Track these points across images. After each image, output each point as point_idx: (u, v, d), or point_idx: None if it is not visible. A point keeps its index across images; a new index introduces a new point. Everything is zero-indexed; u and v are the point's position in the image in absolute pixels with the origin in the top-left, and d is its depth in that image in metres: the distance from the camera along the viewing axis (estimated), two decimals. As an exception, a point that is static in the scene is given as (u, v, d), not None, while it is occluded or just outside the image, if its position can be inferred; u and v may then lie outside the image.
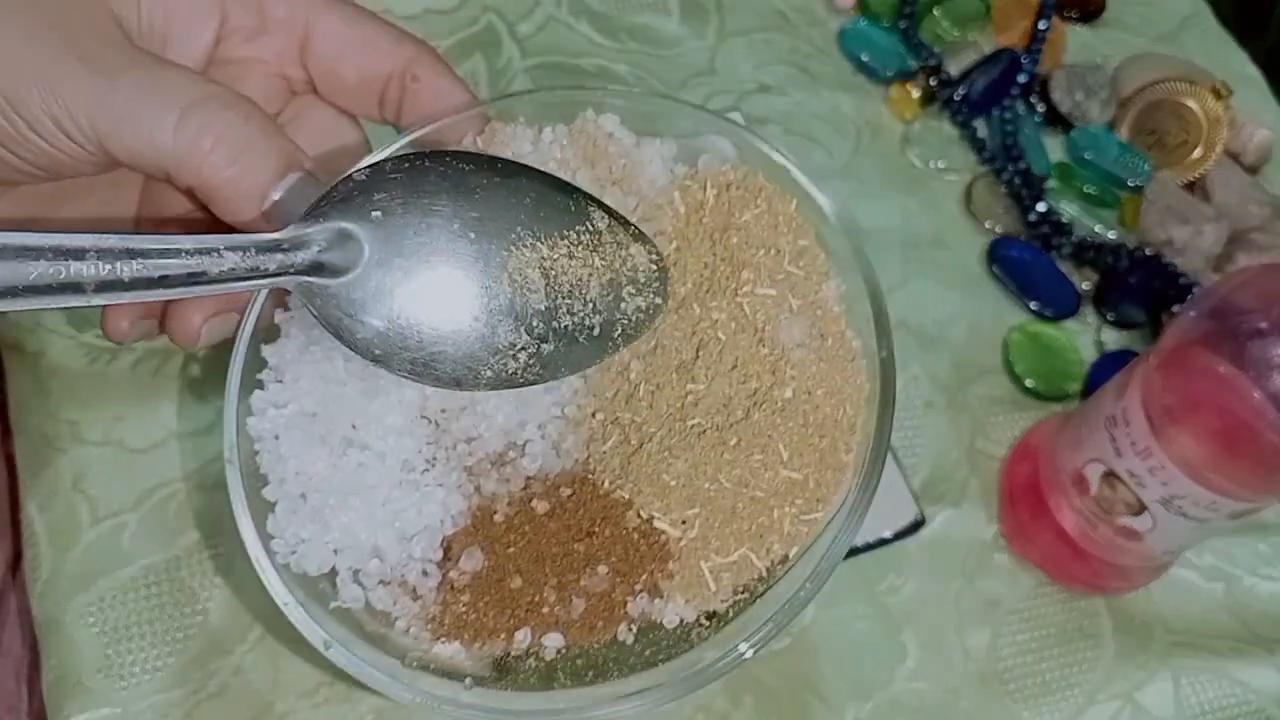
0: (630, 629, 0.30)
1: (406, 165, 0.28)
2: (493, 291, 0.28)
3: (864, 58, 0.58)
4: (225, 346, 0.33)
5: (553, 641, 0.30)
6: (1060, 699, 0.43)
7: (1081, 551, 0.44)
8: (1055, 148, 0.57)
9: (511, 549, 0.30)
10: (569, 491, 0.31)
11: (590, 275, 0.29)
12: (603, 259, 0.30)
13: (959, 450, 0.48)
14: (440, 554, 0.31)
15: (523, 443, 0.32)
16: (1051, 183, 0.55)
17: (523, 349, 0.29)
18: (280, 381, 0.31)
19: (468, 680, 0.30)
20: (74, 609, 0.39)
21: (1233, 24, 0.65)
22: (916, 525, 0.44)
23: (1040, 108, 0.58)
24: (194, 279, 0.26)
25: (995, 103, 0.56)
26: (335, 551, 0.31)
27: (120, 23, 0.30)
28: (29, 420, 0.43)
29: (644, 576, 0.30)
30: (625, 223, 0.31)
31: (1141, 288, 0.52)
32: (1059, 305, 0.52)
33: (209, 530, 0.41)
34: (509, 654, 0.30)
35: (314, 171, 0.30)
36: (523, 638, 0.30)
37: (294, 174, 0.30)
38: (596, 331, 0.30)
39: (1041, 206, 0.54)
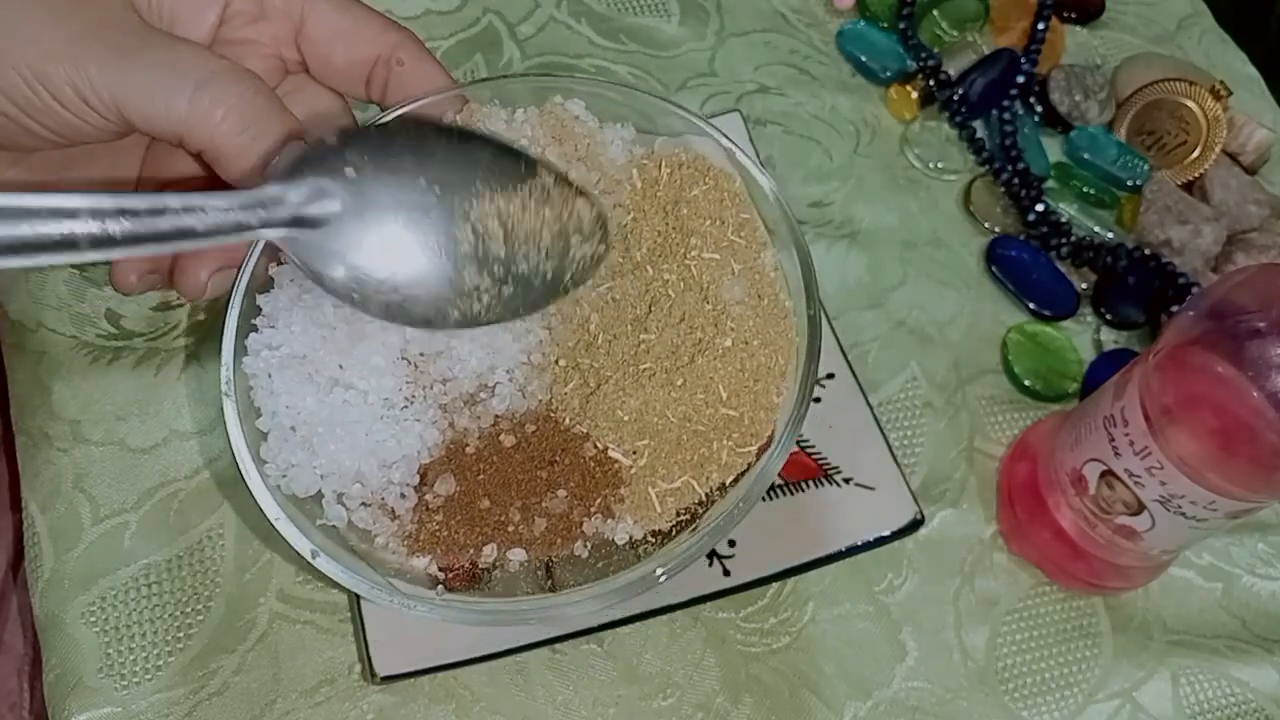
0: (585, 545, 0.34)
1: (375, 129, 0.32)
2: (457, 239, 0.31)
3: (863, 59, 0.58)
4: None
5: (516, 555, 0.34)
6: (1059, 698, 0.44)
7: (1080, 551, 0.44)
8: (1054, 148, 0.57)
9: (481, 475, 0.34)
10: (533, 428, 0.34)
11: (542, 225, 0.32)
12: (552, 211, 0.33)
13: (958, 450, 0.48)
14: (417, 479, 0.34)
15: (493, 384, 0.35)
16: (1050, 183, 0.55)
17: (485, 291, 0.32)
18: (274, 327, 0.34)
19: (439, 588, 0.34)
20: (75, 608, 0.39)
21: (1231, 24, 0.65)
22: (915, 524, 0.44)
23: (1039, 108, 0.58)
24: (182, 234, 0.28)
25: (994, 103, 0.57)
26: (322, 476, 0.34)
27: (133, 5, 0.33)
28: (30, 420, 0.43)
29: (599, 500, 0.34)
30: (569, 181, 0.34)
31: (1140, 288, 0.52)
32: (1057, 305, 0.52)
33: (210, 530, 0.41)
34: (477, 565, 0.34)
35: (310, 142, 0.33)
36: (490, 552, 0.33)
37: (294, 143, 0.32)
38: (549, 276, 0.33)
39: (1040, 207, 0.54)
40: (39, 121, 0.32)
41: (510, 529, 0.34)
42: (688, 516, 0.35)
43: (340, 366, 0.34)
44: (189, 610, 0.40)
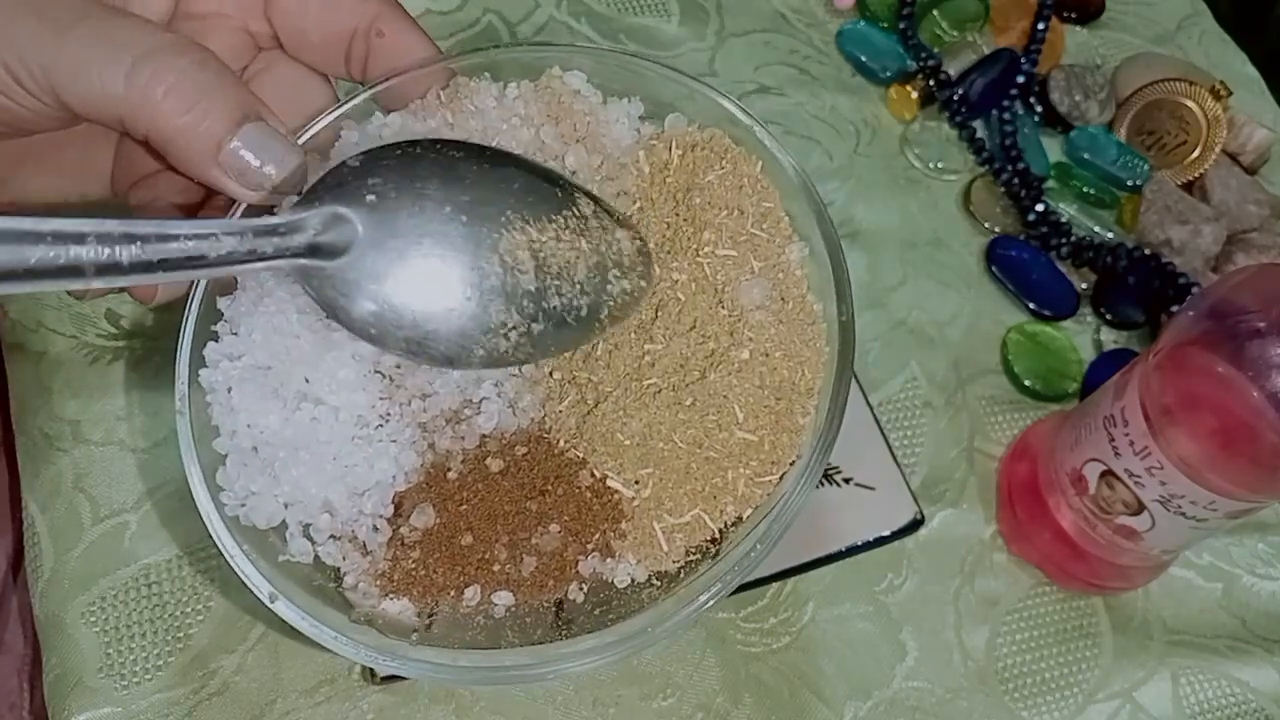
0: (581, 588, 0.30)
1: (399, 152, 0.29)
2: (484, 272, 0.29)
3: (863, 59, 0.58)
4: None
5: (502, 599, 0.30)
6: (1059, 698, 0.44)
7: (1080, 551, 0.44)
8: (1054, 148, 0.57)
9: (464, 506, 0.30)
10: (524, 450, 0.31)
11: (577, 258, 0.30)
12: (589, 243, 0.30)
13: (958, 450, 0.48)
14: (391, 510, 0.31)
15: (478, 400, 0.31)
16: (1050, 183, 0.55)
17: (514, 328, 0.29)
18: (235, 334, 0.31)
19: (414, 636, 0.30)
20: (75, 608, 0.39)
21: (1231, 24, 0.65)
22: (915, 524, 0.44)
23: (1039, 108, 0.58)
24: (192, 262, 0.27)
25: (994, 103, 0.57)
26: (285, 505, 0.30)
27: None
28: (30, 420, 0.43)
29: (596, 536, 0.30)
30: (610, 209, 0.31)
31: (1140, 288, 0.52)
32: (1058, 305, 0.52)
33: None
34: (457, 612, 0.30)
35: (273, 122, 0.30)
36: (472, 595, 0.30)
37: (251, 124, 0.29)
38: (584, 312, 0.30)
39: (1040, 207, 0.54)
40: None
41: (495, 568, 0.30)
42: (698, 556, 0.31)
43: (306, 380, 0.30)
44: (189, 610, 0.40)
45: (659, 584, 0.31)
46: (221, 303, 0.32)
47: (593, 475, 0.31)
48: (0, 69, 0.28)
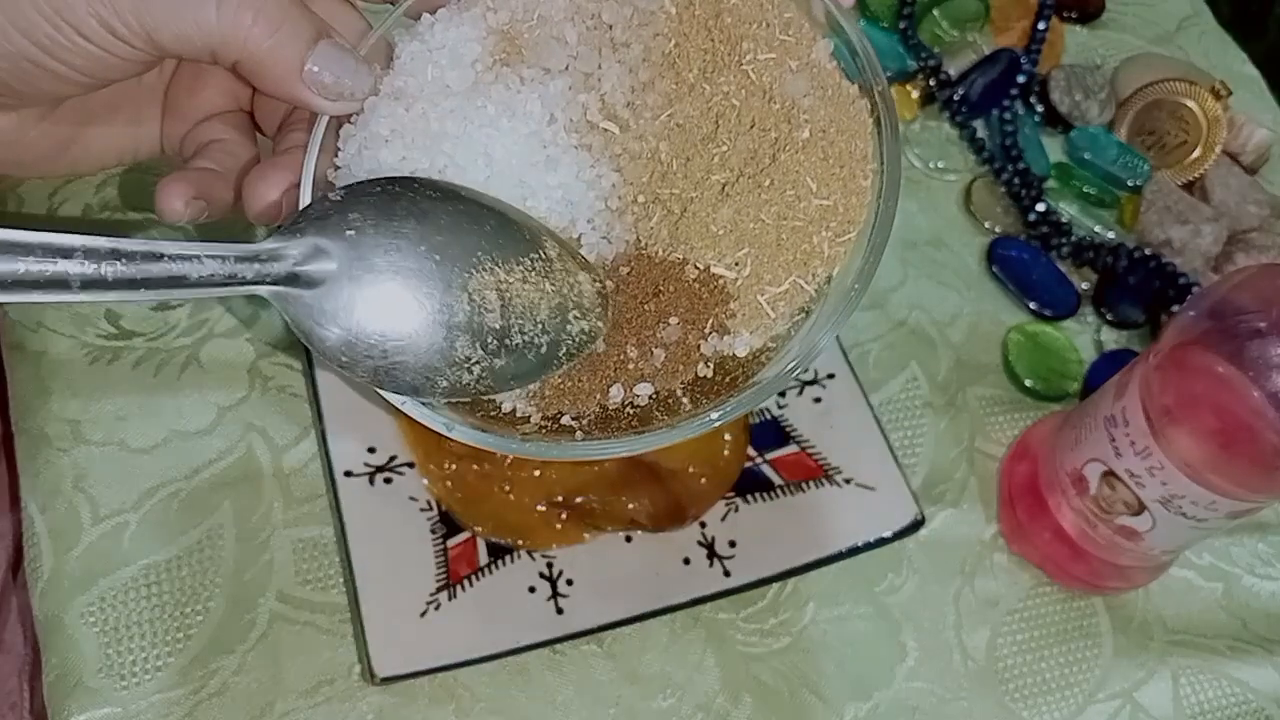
0: (708, 365, 0.34)
1: (379, 190, 0.31)
2: (453, 310, 0.31)
3: (863, 58, 0.58)
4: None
5: (643, 390, 0.33)
6: (1059, 698, 0.44)
7: (1080, 551, 0.44)
8: (1054, 148, 0.57)
9: None
10: (627, 269, 0.34)
11: (541, 299, 0.32)
12: (553, 284, 0.32)
13: (958, 450, 0.48)
14: None
15: (577, 236, 0.34)
16: (1051, 183, 0.55)
17: (477, 363, 0.31)
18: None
19: (579, 434, 0.33)
20: (75, 609, 0.39)
21: (1231, 24, 0.65)
22: (916, 525, 0.44)
23: (1039, 108, 0.58)
24: (174, 282, 0.28)
25: (994, 103, 0.57)
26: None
27: None
28: (30, 420, 0.43)
29: (710, 319, 0.34)
30: (574, 253, 0.33)
31: (1140, 288, 0.52)
32: (1058, 305, 0.52)
33: (210, 530, 0.41)
34: (607, 410, 0.33)
35: (339, 39, 0.33)
36: (616, 393, 0.33)
37: (324, 41, 0.32)
38: (544, 350, 0.32)
39: (1041, 207, 0.54)
40: (65, 61, 0.31)
41: (630, 366, 0.33)
42: (802, 315, 0.35)
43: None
44: (189, 610, 0.40)
45: (774, 346, 0.34)
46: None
47: (696, 268, 0.34)
48: (95, 22, 0.30)
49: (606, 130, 0.34)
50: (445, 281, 0.31)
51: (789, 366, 0.33)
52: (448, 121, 0.34)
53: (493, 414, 0.34)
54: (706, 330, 0.34)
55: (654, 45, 0.36)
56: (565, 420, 0.34)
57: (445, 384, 0.31)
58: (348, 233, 0.30)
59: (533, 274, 0.32)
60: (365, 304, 0.30)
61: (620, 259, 0.34)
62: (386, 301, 0.30)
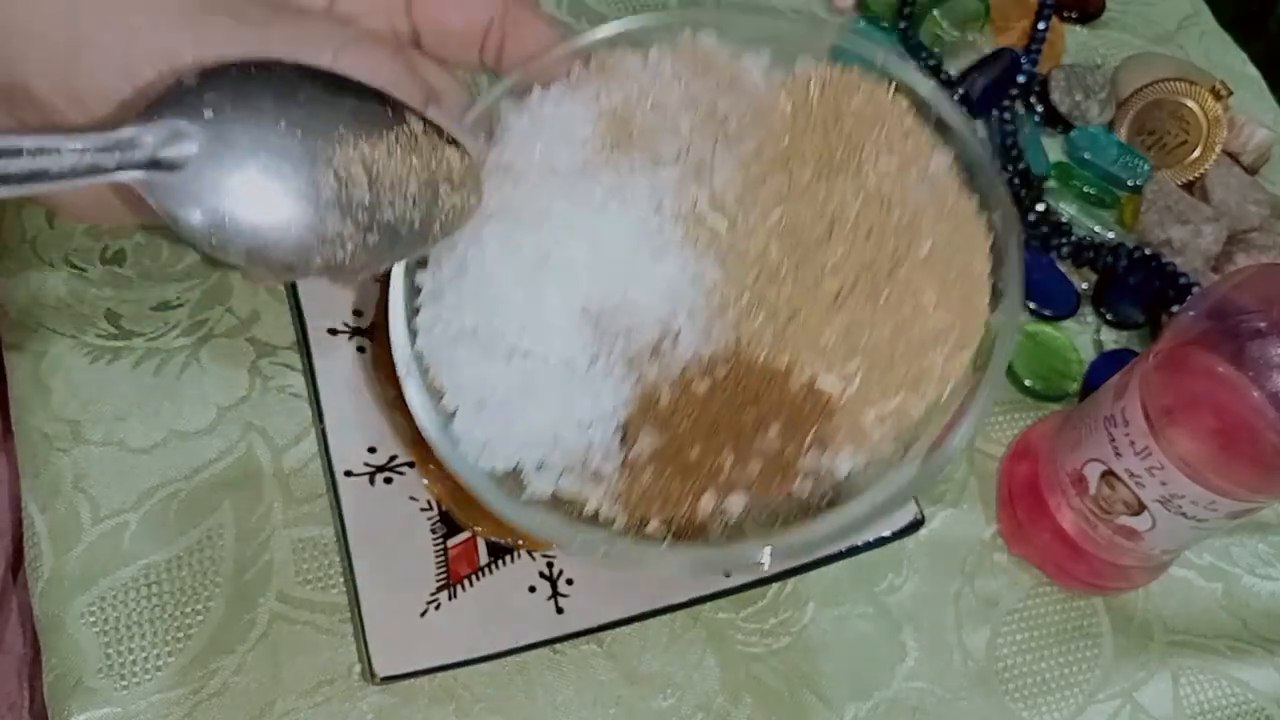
0: (806, 481, 0.33)
1: (234, 70, 0.30)
2: (320, 185, 0.30)
3: (863, 58, 0.58)
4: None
5: (736, 502, 0.32)
6: (1059, 698, 0.44)
7: (1080, 551, 0.44)
8: (1054, 148, 0.57)
9: (683, 425, 0.33)
10: (724, 370, 0.33)
11: (409, 173, 0.32)
12: (419, 159, 0.32)
13: (958, 450, 0.48)
14: (619, 437, 0.33)
15: (676, 330, 0.34)
16: (1051, 183, 0.55)
17: (349, 239, 0.31)
18: (440, 301, 0.34)
19: (664, 544, 0.32)
20: (75, 609, 0.39)
21: (1231, 24, 0.65)
22: (916, 525, 0.44)
23: (1039, 108, 0.58)
24: (35, 176, 0.28)
25: (994, 103, 0.57)
26: (519, 447, 0.33)
27: None
28: (30, 420, 0.43)
29: (811, 433, 0.33)
30: (439, 129, 0.33)
31: (1140, 288, 0.52)
32: (1058, 305, 0.52)
33: (210, 530, 0.41)
34: (694, 520, 0.33)
35: (445, 107, 0.33)
36: (708, 500, 0.32)
37: (431, 108, 0.33)
38: (416, 225, 0.32)
39: (1040, 206, 0.54)
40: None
41: (724, 475, 0.32)
42: (910, 436, 0.34)
43: (519, 330, 0.33)
44: (189, 610, 0.40)
45: (876, 469, 0.33)
46: (420, 277, 0.35)
47: (800, 378, 0.33)
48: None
49: (714, 225, 0.34)
50: (309, 156, 0.30)
51: (886, 497, 0.32)
52: (556, 201, 0.33)
53: (577, 515, 0.33)
54: (807, 444, 0.32)
55: (768, 141, 0.35)
56: (652, 526, 0.33)
57: (320, 261, 0.31)
58: (206, 112, 0.29)
59: (398, 148, 0.32)
60: (229, 183, 0.30)
61: (717, 358, 0.33)
62: (250, 179, 0.30)
